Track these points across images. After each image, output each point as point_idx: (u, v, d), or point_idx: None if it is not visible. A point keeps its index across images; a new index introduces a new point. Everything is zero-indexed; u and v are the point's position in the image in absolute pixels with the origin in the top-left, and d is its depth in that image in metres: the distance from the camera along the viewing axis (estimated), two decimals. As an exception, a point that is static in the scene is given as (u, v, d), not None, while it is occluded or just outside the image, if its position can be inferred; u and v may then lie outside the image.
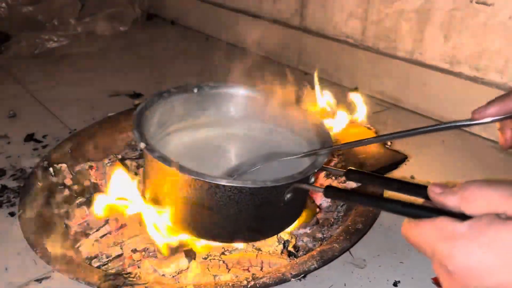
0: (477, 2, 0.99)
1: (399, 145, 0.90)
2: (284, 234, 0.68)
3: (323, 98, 0.98)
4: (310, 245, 0.70)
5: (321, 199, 0.79)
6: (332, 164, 0.84)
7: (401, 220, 0.41)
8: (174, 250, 0.64)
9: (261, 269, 0.64)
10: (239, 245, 0.67)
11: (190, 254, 0.64)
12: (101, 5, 1.71)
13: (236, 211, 0.58)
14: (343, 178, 0.73)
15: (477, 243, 0.33)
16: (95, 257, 0.65)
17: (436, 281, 0.62)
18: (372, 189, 0.74)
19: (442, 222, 0.36)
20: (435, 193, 0.39)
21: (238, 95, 0.78)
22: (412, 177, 0.88)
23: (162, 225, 0.64)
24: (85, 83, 1.30)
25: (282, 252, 0.67)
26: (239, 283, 0.56)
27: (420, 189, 0.44)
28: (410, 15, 1.12)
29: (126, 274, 0.62)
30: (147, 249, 0.65)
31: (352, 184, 0.69)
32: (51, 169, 0.78)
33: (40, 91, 1.22)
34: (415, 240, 0.38)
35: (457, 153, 0.98)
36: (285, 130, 0.77)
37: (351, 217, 0.70)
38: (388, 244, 0.70)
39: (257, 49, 1.60)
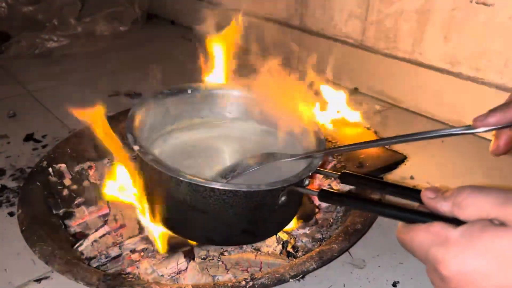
0: (477, 3, 0.99)
1: (399, 145, 0.90)
2: (283, 235, 0.68)
3: (323, 98, 0.98)
4: (309, 245, 0.70)
5: (320, 200, 0.79)
6: (332, 164, 0.84)
7: (399, 220, 0.41)
8: (173, 251, 0.64)
9: (260, 269, 0.64)
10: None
11: (189, 255, 0.64)
12: (101, 5, 1.71)
13: (230, 214, 0.57)
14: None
15: (470, 249, 0.33)
16: (94, 257, 0.65)
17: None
18: (369, 192, 0.74)
19: (436, 227, 0.36)
20: (428, 198, 0.39)
21: (233, 96, 0.78)
22: (412, 178, 0.88)
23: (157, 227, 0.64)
24: (85, 83, 1.30)
25: (281, 253, 0.67)
26: (237, 283, 0.56)
27: (415, 193, 0.44)
28: (410, 15, 1.12)
29: (125, 274, 0.62)
30: (146, 249, 0.65)
31: (349, 186, 0.69)
32: (50, 169, 0.78)
33: (40, 91, 1.22)
34: (409, 245, 0.38)
35: (457, 153, 0.98)
36: (279, 132, 0.77)
37: (350, 217, 0.70)
38: (387, 245, 0.70)
39: (256, 49, 1.60)
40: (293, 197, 0.61)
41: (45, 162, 0.79)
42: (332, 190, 0.59)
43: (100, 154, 0.87)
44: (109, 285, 0.56)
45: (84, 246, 0.67)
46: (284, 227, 0.67)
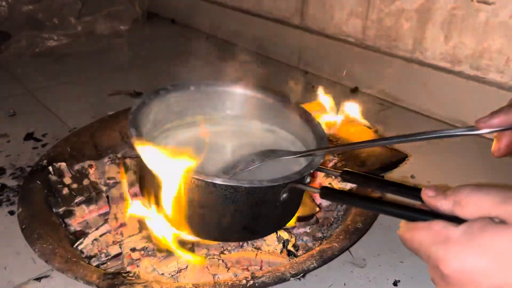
0: (478, 1, 0.99)
1: (399, 144, 0.90)
2: (284, 233, 0.68)
3: (323, 97, 0.98)
4: (309, 244, 0.70)
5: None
6: (333, 162, 0.84)
7: (400, 219, 0.41)
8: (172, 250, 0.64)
9: (261, 268, 0.64)
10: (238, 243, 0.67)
11: (190, 253, 0.64)
12: (101, 4, 1.71)
13: (232, 210, 0.58)
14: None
15: (471, 248, 0.34)
16: (94, 256, 0.65)
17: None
18: (369, 190, 0.74)
19: (437, 226, 0.36)
20: (428, 196, 0.39)
21: (235, 93, 0.78)
22: (413, 177, 0.88)
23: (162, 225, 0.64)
24: (85, 82, 1.30)
25: (281, 251, 0.66)
26: (238, 282, 0.56)
27: (416, 192, 0.44)
28: (410, 14, 1.12)
29: (125, 273, 0.61)
30: (146, 248, 0.65)
31: (350, 184, 0.69)
32: (50, 167, 0.78)
33: (40, 90, 1.22)
34: (410, 244, 0.38)
35: (457, 152, 0.98)
36: (281, 129, 0.77)
37: (351, 216, 0.70)
38: (388, 244, 0.70)
39: (257, 48, 1.61)
40: (294, 194, 0.61)
41: (45, 161, 0.79)
42: (334, 188, 0.59)
43: (100, 153, 0.87)
44: (109, 284, 0.56)
45: (84, 245, 0.67)
46: (285, 224, 0.67)
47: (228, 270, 0.63)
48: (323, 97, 0.98)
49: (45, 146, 0.94)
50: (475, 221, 0.34)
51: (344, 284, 0.63)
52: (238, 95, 0.77)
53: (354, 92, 1.27)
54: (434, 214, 0.38)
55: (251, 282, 0.56)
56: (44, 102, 1.15)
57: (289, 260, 0.63)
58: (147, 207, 0.67)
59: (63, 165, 0.79)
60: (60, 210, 0.72)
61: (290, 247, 0.67)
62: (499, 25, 0.97)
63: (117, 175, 0.79)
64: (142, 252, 0.65)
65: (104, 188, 0.77)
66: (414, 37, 1.13)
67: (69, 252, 0.63)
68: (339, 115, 0.93)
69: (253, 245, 0.67)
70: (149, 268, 0.62)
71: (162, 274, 0.62)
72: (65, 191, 0.75)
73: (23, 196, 0.72)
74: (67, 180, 0.77)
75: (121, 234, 0.69)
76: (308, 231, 0.72)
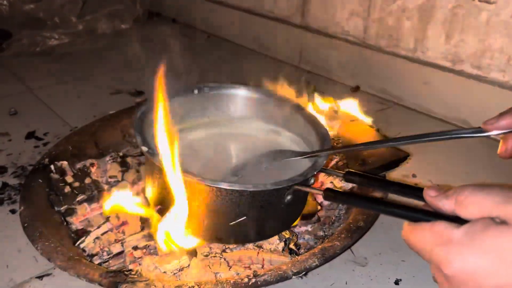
0: (479, 0, 0.99)
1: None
2: (285, 232, 0.68)
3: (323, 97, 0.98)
4: (311, 242, 0.70)
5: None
6: (334, 161, 0.84)
7: (403, 219, 0.41)
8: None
9: (262, 266, 0.64)
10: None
11: (191, 252, 0.64)
12: (102, 3, 1.70)
13: (237, 213, 0.58)
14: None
15: (472, 248, 0.34)
16: (96, 254, 0.65)
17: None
18: (371, 190, 0.74)
19: (439, 227, 0.36)
20: (430, 196, 0.39)
21: (238, 96, 0.78)
22: (414, 176, 0.88)
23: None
24: (86, 81, 1.30)
25: (283, 250, 0.66)
26: (240, 280, 0.56)
27: (419, 192, 0.44)
28: (412, 13, 1.12)
29: (127, 271, 0.61)
30: (148, 246, 0.65)
31: (351, 184, 0.69)
32: (52, 166, 0.78)
33: (41, 88, 1.22)
34: (413, 244, 0.38)
35: (459, 151, 0.98)
36: (285, 131, 0.77)
37: (352, 215, 0.70)
38: (389, 242, 0.70)
39: (258, 47, 1.61)
40: (298, 196, 0.62)
41: (46, 160, 0.79)
42: (337, 189, 0.60)
43: (102, 152, 0.87)
44: (111, 282, 0.56)
45: (86, 243, 0.67)
46: (290, 225, 0.68)
47: (230, 269, 0.63)
48: (325, 96, 0.98)
49: (47, 145, 0.94)
50: (477, 222, 0.35)
51: (346, 283, 0.63)
52: (241, 97, 0.78)
53: (355, 91, 1.27)
54: (436, 215, 0.39)
55: (253, 280, 0.56)
56: (45, 101, 1.15)
57: (291, 259, 0.63)
58: (150, 206, 0.67)
59: (64, 163, 0.79)
60: (62, 208, 0.72)
61: (291, 245, 0.67)
62: (500, 24, 0.97)
63: (118, 173, 0.79)
64: (144, 250, 0.65)
65: (105, 187, 0.77)
66: (415, 36, 1.13)
67: (71, 250, 0.63)
68: (340, 114, 0.93)
69: (254, 243, 0.67)
70: (151, 266, 0.62)
71: (164, 272, 0.62)
72: (67, 189, 0.75)
73: (25, 194, 0.72)
74: (69, 178, 0.77)
75: (123, 232, 0.69)
76: (310, 229, 0.72)
